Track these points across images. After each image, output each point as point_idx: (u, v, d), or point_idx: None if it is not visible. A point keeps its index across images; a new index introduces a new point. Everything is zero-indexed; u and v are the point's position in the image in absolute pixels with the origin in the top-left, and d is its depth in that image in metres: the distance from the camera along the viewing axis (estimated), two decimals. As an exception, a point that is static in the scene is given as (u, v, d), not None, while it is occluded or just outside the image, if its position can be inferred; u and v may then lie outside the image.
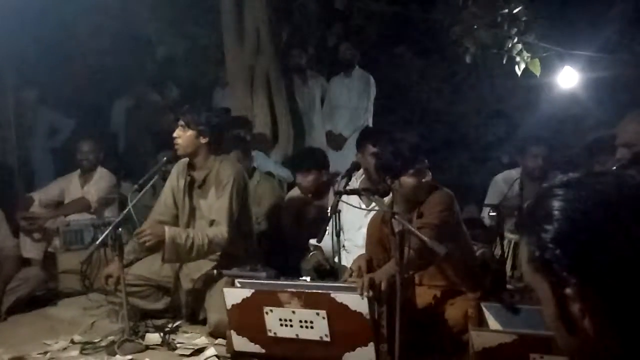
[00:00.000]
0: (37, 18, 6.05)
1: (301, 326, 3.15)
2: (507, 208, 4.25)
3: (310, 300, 3.11)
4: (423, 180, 3.31)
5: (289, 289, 3.17)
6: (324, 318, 3.08)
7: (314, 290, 3.14)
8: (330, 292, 3.08)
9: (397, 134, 3.60)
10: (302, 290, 3.15)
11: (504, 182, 4.78)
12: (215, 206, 3.97)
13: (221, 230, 3.86)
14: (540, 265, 0.96)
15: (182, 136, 3.99)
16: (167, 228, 3.80)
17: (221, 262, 3.96)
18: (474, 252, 3.69)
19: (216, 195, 3.98)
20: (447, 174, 6.01)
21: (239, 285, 3.37)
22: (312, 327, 3.12)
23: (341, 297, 3.04)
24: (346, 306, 3.02)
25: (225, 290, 3.33)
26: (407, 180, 3.31)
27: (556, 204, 0.96)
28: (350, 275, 3.29)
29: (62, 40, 6.73)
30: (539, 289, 0.99)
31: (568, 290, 0.92)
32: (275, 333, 3.22)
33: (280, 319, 3.18)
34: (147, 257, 4.16)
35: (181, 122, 4.01)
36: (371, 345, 3.02)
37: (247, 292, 3.26)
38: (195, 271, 4.00)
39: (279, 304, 3.17)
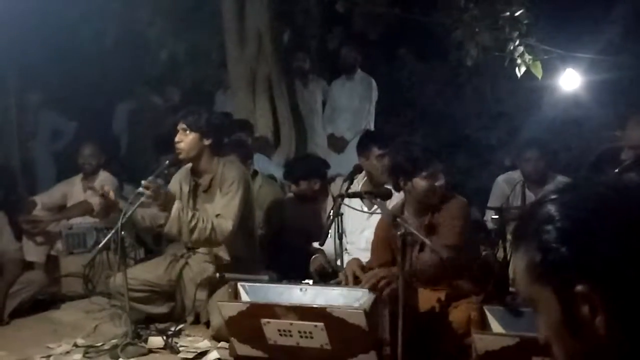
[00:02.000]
0: (39, 22, 6.06)
1: (300, 336, 3.07)
2: (509, 211, 4.25)
3: (306, 314, 3.04)
4: (436, 183, 3.30)
5: (283, 304, 3.10)
6: (322, 330, 3.00)
7: (309, 305, 3.08)
8: (326, 307, 3.00)
9: (408, 137, 3.59)
10: (297, 305, 3.08)
11: (505, 183, 4.77)
12: (221, 203, 3.91)
13: (226, 223, 3.83)
14: (542, 271, 0.95)
15: (185, 140, 3.93)
16: (177, 201, 3.80)
17: (224, 265, 3.96)
18: (479, 255, 3.69)
19: (221, 195, 3.95)
20: (449, 176, 6.00)
21: (241, 288, 3.34)
22: (311, 337, 3.05)
23: (337, 312, 2.95)
24: (343, 320, 2.94)
25: (220, 304, 3.24)
26: (420, 182, 3.28)
27: (553, 207, 0.96)
28: (346, 282, 3.27)
29: (64, 43, 6.74)
30: (538, 299, 0.98)
31: (578, 288, 0.91)
32: (275, 342, 3.14)
33: (279, 330, 3.11)
34: (151, 262, 4.16)
35: (182, 126, 3.94)
36: (372, 352, 2.97)
37: (242, 306, 3.17)
38: (199, 274, 4.00)
39: (276, 316, 3.09)
